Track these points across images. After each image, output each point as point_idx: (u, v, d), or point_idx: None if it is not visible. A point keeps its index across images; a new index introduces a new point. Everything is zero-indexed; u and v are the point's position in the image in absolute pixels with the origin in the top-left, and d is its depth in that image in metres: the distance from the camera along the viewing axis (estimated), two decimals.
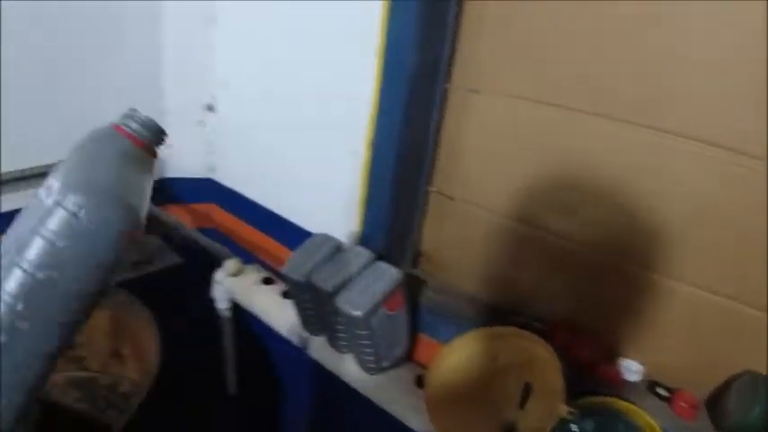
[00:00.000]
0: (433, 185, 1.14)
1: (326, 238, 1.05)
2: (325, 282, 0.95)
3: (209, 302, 1.54)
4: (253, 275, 1.35)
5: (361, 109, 1.07)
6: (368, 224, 1.13)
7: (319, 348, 1.16)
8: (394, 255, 1.13)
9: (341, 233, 1.13)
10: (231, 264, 1.01)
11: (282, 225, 1.37)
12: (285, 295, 1.31)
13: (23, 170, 1.28)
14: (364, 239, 1.15)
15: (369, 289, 0.92)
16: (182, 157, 1.51)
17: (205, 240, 1.13)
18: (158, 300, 1.33)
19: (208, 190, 1.54)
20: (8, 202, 1.24)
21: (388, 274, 0.95)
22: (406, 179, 1.10)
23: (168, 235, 1.55)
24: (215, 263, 1.48)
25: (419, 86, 1.03)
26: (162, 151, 1.50)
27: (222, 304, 1.53)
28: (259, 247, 1.48)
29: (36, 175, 1.29)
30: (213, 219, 1.58)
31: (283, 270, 0.99)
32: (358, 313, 0.89)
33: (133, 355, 1.40)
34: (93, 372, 1.49)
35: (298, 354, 1.23)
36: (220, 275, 1.47)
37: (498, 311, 1.13)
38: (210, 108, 1.47)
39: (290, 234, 1.36)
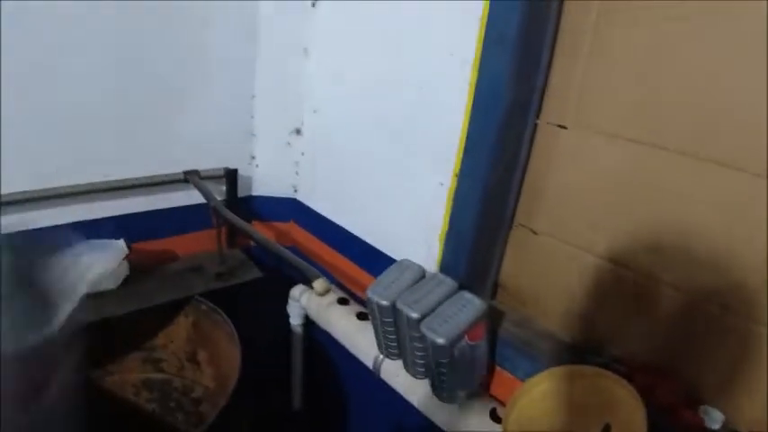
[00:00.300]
0: (517, 219, 1.15)
1: (411, 264, 1.07)
2: (411, 307, 0.97)
3: (283, 317, 1.59)
4: (330, 295, 1.39)
5: (450, 140, 1.10)
6: (449, 253, 1.15)
7: (393, 372, 1.18)
8: (473, 285, 1.14)
9: (421, 260, 1.15)
10: (319, 283, 1.04)
11: (361, 247, 1.41)
12: (360, 316, 1.34)
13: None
14: (444, 268, 1.17)
15: (453, 318, 0.94)
16: (268, 177, 1.58)
17: (294, 258, 1.18)
18: (237, 311, 1.38)
19: (290, 209, 1.61)
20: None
21: (473, 304, 0.96)
22: (490, 211, 1.12)
23: (252, 249, 1.62)
24: (292, 280, 1.54)
25: (511, 120, 1.05)
26: (250, 170, 1.58)
27: (295, 320, 1.58)
28: (335, 267, 1.52)
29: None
30: (293, 237, 1.64)
31: (368, 293, 1.02)
32: (442, 341, 0.91)
33: (210, 362, 1.45)
34: (168, 374, 1.56)
35: (368, 375, 1.26)
36: (296, 292, 1.52)
37: (576, 349, 1.12)
38: (298, 132, 1.53)
39: (368, 256, 1.39)
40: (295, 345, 1.63)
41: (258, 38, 1.46)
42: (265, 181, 1.59)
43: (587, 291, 1.11)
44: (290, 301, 1.54)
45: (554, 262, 1.13)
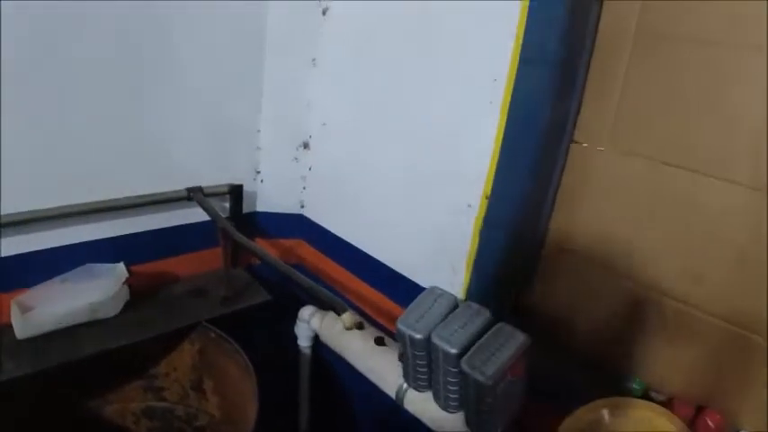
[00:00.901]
0: (548, 241, 1.11)
1: (442, 292, 1.01)
2: (448, 342, 0.91)
3: (290, 338, 1.52)
4: (346, 320, 1.32)
5: (479, 160, 1.04)
6: (477, 277, 1.10)
7: (419, 403, 1.12)
8: (502, 310, 1.09)
9: (444, 283, 1.10)
10: (348, 318, 0.98)
11: (373, 267, 1.35)
12: (378, 341, 1.28)
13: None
14: (472, 292, 1.12)
15: (496, 354, 0.88)
16: (273, 192, 1.51)
17: (315, 287, 1.11)
18: (242, 333, 1.31)
19: (297, 225, 1.54)
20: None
21: (515, 339, 0.91)
22: (520, 234, 1.07)
23: (255, 267, 1.54)
24: (298, 299, 1.47)
25: (547, 141, 1.00)
26: (255, 185, 1.51)
27: (304, 342, 1.50)
28: (344, 286, 1.46)
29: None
30: (299, 254, 1.57)
31: (399, 325, 0.96)
32: (488, 382, 0.85)
33: (216, 391, 1.38)
34: (170, 403, 1.47)
35: (386, 401, 1.20)
36: (306, 313, 1.45)
37: (611, 377, 1.08)
38: (306, 146, 1.46)
39: (381, 276, 1.33)
40: (303, 366, 1.56)
41: (265, 47, 1.39)
42: (270, 196, 1.51)
43: (621, 316, 1.07)
44: (298, 322, 1.47)
45: (587, 286, 1.09)
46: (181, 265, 1.44)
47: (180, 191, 1.34)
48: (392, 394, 1.20)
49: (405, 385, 1.15)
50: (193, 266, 1.46)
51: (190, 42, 1.27)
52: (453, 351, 0.91)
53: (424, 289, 1.21)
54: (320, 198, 1.48)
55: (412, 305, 0.99)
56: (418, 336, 0.94)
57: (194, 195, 1.33)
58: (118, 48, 1.17)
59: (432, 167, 1.17)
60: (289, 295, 1.48)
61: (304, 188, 1.50)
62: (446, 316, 0.98)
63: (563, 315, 1.14)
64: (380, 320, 1.34)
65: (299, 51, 1.41)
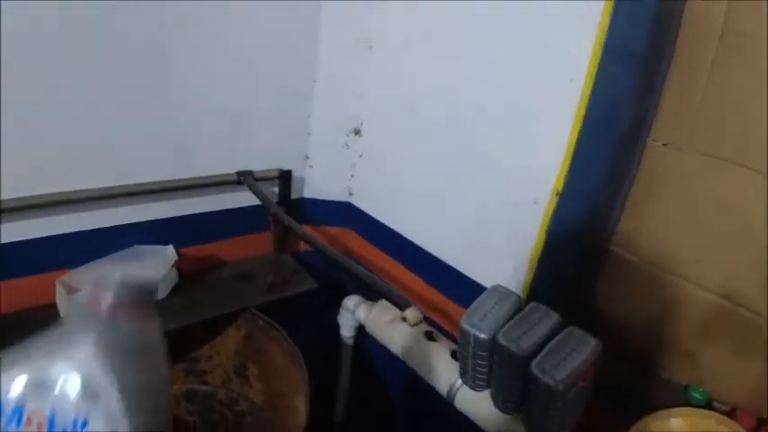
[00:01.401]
0: (616, 243, 1.06)
1: (507, 292, 0.98)
2: (516, 344, 0.88)
3: (331, 325, 1.50)
4: (394, 310, 1.30)
5: (550, 156, 1.00)
6: (542, 277, 1.06)
7: (472, 401, 1.09)
8: (563, 311, 1.05)
9: (503, 280, 1.06)
10: (412, 314, 0.95)
11: (424, 258, 1.31)
12: (428, 336, 1.25)
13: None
14: (534, 292, 1.08)
15: (567, 359, 0.85)
16: (322, 179, 1.48)
17: (375, 279, 1.07)
18: (286, 320, 1.29)
19: (344, 213, 1.51)
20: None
21: (586, 344, 0.87)
22: (588, 234, 1.03)
23: (301, 254, 1.52)
24: (343, 288, 1.45)
25: (624, 139, 0.96)
26: (303, 171, 1.48)
27: (347, 332, 1.49)
28: (391, 276, 1.43)
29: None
30: (345, 242, 1.55)
31: (463, 324, 0.93)
32: (558, 387, 0.82)
33: (260, 377, 1.36)
34: (212, 386, 1.47)
35: (431, 397, 1.18)
36: (351, 303, 1.43)
37: (675, 386, 1.04)
38: (357, 132, 1.43)
39: (431, 269, 1.30)
40: (344, 356, 1.54)
41: (320, 31, 1.35)
42: (319, 183, 1.49)
43: (689, 324, 1.03)
44: (342, 311, 1.45)
45: (654, 293, 1.05)
46: (228, 249, 1.43)
47: (230, 174, 1.32)
48: (443, 391, 1.18)
49: (458, 383, 1.12)
50: (240, 251, 1.44)
51: (245, 26, 1.24)
52: (522, 354, 0.87)
53: (479, 285, 1.19)
54: (370, 186, 1.45)
55: (475, 304, 0.96)
56: (483, 336, 0.91)
57: (245, 179, 1.30)
58: (170, 28, 1.15)
59: (493, 159, 1.13)
60: (331, 284, 1.46)
61: (353, 176, 1.47)
62: (511, 316, 0.94)
63: (625, 319, 1.10)
64: (429, 314, 1.31)
65: (354, 36, 1.36)
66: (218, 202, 1.36)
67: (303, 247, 1.54)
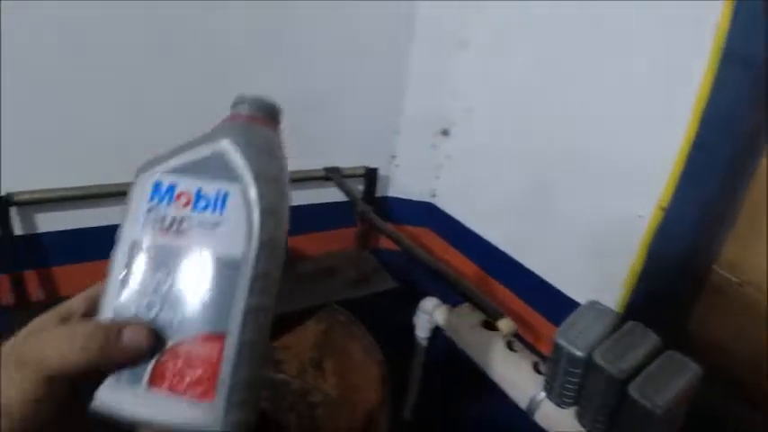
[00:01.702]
0: (721, 263, 1.01)
1: (604, 309, 0.94)
2: (615, 365, 0.84)
3: (405, 325, 1.50)
4: (475, 316, 1.28)
5: (655, 166, 0.95)
6: (639, 295, 1.02)
7: (554, 417, 1.06)
8: (660, 332, 1.01)
9: (594, 294, 1.03)
10: (506, 324, 0.93)
11: (508, 265, 1.29)
12: (510, 346, 1.23)
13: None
14: (629, 310, 1.04)
15: (668, 384, 0.81)
16: (406, 178, 1.48)
17: (467, 286, 1.06)
18: (365, 319, 1.30)
19: (425, 214, 1.50)
20: None
21: (688, 369, 0.83)
22: (692, 252, 0.98)
23: (381, 252, 1.52)
24: (418, 288, 1.44)
25: (738, 154, 0.90)
26: (388, 169, 1.48)
27: (422, 333, 1.48)
28: (470, 279, 1.40)
29: None
30: (424, 243, 1.54)
31: (559, 339, 0.90)
32: (658, 411, 0.78)
33: (336, 372, 1.38)
34: (287, 375, 1.49)
35: (506, 407, 1.15)
36: (429, 305, 1.42)
37: None
38: (446, 133, 1.41)
39: (516, 276, 1.27)
40: (417, 357, 1.53)
41: (414, 28, 1.34)
42: (403, 182, 1.49)
43: None
44: (419, 312, 1.44)
45: (757, 319, 0.98)
46: (311, 244, 1.45)
47: (318, 170, 1.33)
48: (522, 403, 1.15)
49: (540, 396, 1.09)
50: (322, 246, 1.46)
51: (338, 22, 1.25)
52: (620, 376, 0.84)
53: (567, 298, 1.15)
54: (455, 188, 1.43)
55: (570, 319, 0.93)
56: (579, 353, 0.88)
57: (332, 176, 1.32)
58: (262, 21, 1.16)
59: (594, 168, 1.08)
60: (408, 283, 1.46)
61: (438, 176, 1.46)
62: (608, 335, 0.91)
63: (724, 344, 1.04)
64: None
65: (448, 34, 1.35)
66: (304, 197, 1.38)
67: (383, 244, 1.54)
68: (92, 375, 0.37)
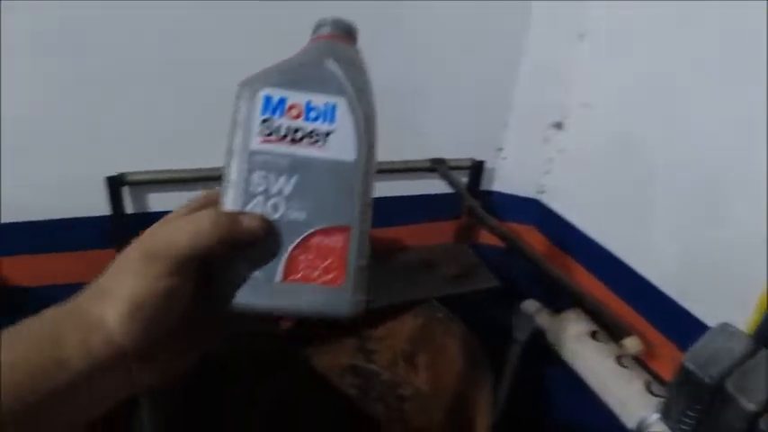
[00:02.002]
0: None
1: (736, 332, 0.85)
2: (750, 396, 0.76)
3: (498, 326, 1.45)
4: (582, 324, 1.21)
5: None
6: None
7: None
8: None
9: (725, 315, 0.93)
10: (633, 343, 0.86)
11: (624, 275, 1.19)
12: (620, 361, 1.15)
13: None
14: (760, 334, 0.93)
15: None
16: (513, 173, 1.41)
17: (594, 302, 0.98)
18: (461, 316, 1.26)
19: (531, 211, 1.42)
20: None
21: None
22: None
23: (479, 247, 1.47)
24: (518, 288, 1.38)
25: None
26: (494, 162, 1.42)
27: (521, 335, 1.42)
28: (577, 283, 1.32)
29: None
30: (527, 241, 1.46)
31: (687, 363, 0.82)
32: None
33: (429, 367, 1.35)
34: (378, 366, 1.49)
35: (610, 422, 1.08)
36: (530, 308, 1.36)
37: None
38: (559, 126, 1.33)
39: (632, 287, 1.17)
40: (510, 360, 1.48)
41: (530, 17, 1.26)
42: (509, 176, 1.42)
43: None
44: (518, 314, 1.38)
45: None
46: (410, 235, 1.42)
47: (423, 161, 1.30)
48: (630, 423, 1.07)
49: (652, 419, 1.01)
50: (421, 238, 1.43)
51: (451, 9, 1.20)
52: (753, 409, 0.75)
53: (691, 316, 1.05)
54: (567, 185, 1.34)
55: (700, 342, 0.84)
56: (708, 380, 0.80)
57: (438, 167, 1.28)
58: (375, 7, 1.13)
59: (730, 177, 0.97)
60: (506, 281, 1.39)
61: (548, 172, 1.37)
62: (742, 362, 0.82)
63: None
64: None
65: (566, 24, 1.26)
66: (407, 187, 1.35)
67: (482, 239, 1.49)
68: (217, 257, 0.41)
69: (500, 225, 1.14)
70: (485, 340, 1.45)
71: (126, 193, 1.15)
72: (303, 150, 0.44)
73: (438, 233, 1.43)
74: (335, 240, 0.43)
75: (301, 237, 0.43)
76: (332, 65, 0.45)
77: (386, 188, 1.32)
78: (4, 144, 1.02)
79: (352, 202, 0.44)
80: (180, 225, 0.39)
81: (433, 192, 1.37)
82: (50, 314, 0.37)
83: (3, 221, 1.10)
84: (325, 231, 0.43)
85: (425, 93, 1.27)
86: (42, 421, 0.35)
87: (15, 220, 1.11)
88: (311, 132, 0.44)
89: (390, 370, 1.45)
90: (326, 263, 0.43)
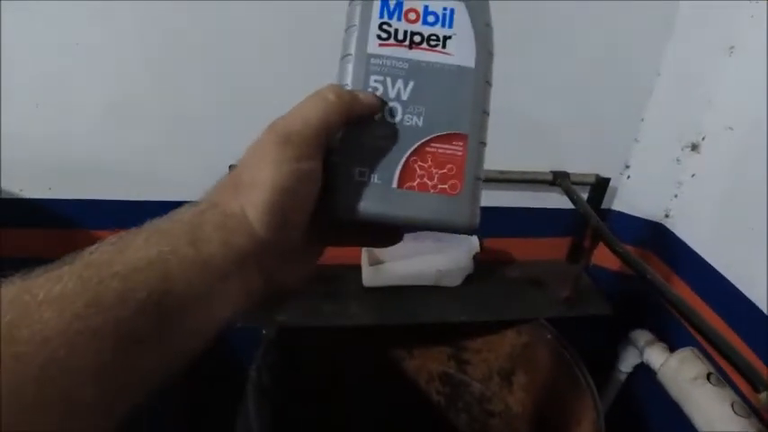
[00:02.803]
0: None
1: None
2: None
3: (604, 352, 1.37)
4: (699, 366, 1.12)
5: None
6: None
7: None
8: None
9: None
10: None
11: (748, 312, 1.09)
12: (736, 408, 1.05)
13: None
14: None
15: None
16: (638, 193, 1.32)
17: (732, 351, 0.89)
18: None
19: (653, 236, 1.33)
20: None
21: None
22: None
23: (589, 269, 1.40)
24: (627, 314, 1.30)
25: None
26: (618, 180, 1.32)
27: (624, 367, 1.34)
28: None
29: None
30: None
31: None
32: None
33: (527, 388, 1.29)
34: (470, 378, 1.45)
35: None
36: (641, 339, 1.28)
37: None
38: (695, 148, 1.23)
39: (757, 326, 1.08)
40: (609, 391, 1.40)
41: (673, 29, 1.17)
42: (632, 197, 1.32)
43: None
44: (627, 344, 1.31)
45: None
46: (519, 248, 1.36)
47: (545, 173, 1.23)
48: None
49: None
50: (530, 252, 1.37)
51: (592, 20, 1.13)
52: None
53: None
54: (696, 212, 1.23)
55: None
56: None
57: (561, 181, 1.21)
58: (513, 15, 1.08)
59: None
60: (617, 307, 1.31)
61: (676, 195, 1.27)
62: None
63: None
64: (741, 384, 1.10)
65: (713, 36, 1.15)
66: (523, 199, 1.29)
67: (594, 260, 1.41)
68: (339, 144, 0.41)
69: (628, 251, 1.06)
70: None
71: None
72: (421, 55, 0.42)
73: (548, 249, 1.37)
74: (454, 148, 0.42)
75: (419, 142, 0.42)
76: None
77: (499, 197, 1.27)
78: None
79: (471, 110, 0.43)
80: (306, 104, 0.39)
81: (549, 206, 1.31)
82: (185, 217, 0.36)
83: None
84: (443, 138, 0.42)
85: (552, 100, 1.21)
86: (179, 329, 0.33)
87: None
88: (429, 37, 0.42)
89: (483, 383, 1.40)
90: (444, 171, 0.42)
